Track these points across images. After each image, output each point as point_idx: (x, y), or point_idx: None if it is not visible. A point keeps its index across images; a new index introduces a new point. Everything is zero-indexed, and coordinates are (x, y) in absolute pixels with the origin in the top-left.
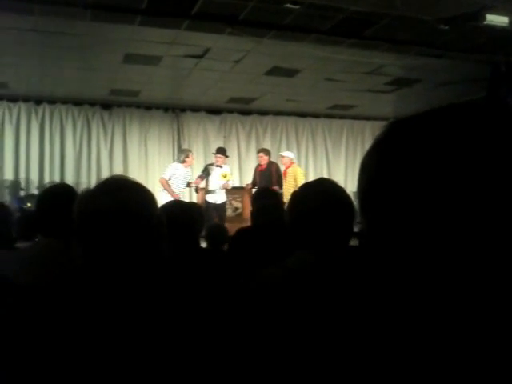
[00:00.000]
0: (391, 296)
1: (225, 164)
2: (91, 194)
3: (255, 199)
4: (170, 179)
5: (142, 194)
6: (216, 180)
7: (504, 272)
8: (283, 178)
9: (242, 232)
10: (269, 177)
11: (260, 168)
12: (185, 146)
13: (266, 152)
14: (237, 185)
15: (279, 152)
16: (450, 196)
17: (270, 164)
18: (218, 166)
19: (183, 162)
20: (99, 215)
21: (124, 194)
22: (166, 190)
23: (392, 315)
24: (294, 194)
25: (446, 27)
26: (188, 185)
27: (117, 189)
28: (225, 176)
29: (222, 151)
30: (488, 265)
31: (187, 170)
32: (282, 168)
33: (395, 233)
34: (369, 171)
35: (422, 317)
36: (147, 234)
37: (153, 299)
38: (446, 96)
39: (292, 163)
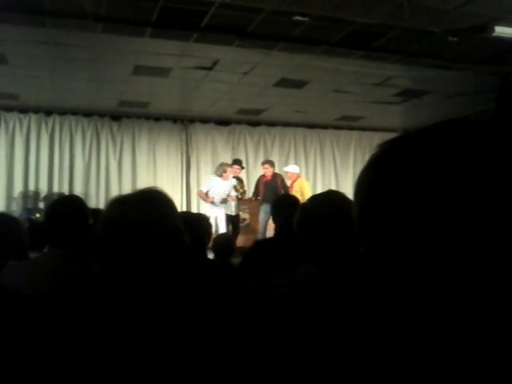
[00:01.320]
0: (390, 308)
1: (240, 174)
2: (122, 202)
3: (280, 207)
4: (208, 192)
5: (172, 209)
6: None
7: (496, 288)
8: (290, 190)
9: (259, 245)
10: (274, 188)
11: (265, 179)
12: (193, 157)
13: (272, 164)
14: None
15: (287, 163)
16: (444, 212)
17: (275, 176)
18: (234, 177)
19: (220, 175)
20: (126, 224)
21: (155, 207)
22: (203, 199)
23: (393, 327)
24: (303, 206)
25: (455, 39)
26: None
27: (148, 201)
28: (238, 187)
29: (239, 162)
30: (483, 278)
31: (226, 182)
32: (288, 182)
33: (392, 249)
34: (364, 190)
35: (424, 329)
36: (173, 247)
37: (165, 310)
38: (455, 108)
39: (298, 177)
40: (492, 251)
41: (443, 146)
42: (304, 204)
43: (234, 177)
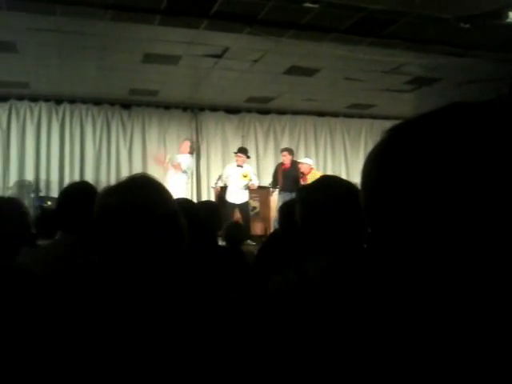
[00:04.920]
0: (399, 299)
1: (245, 163)
2: (114, 189)
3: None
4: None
5: (164, 194)
6: (236, 180)
7: (503, 274)
8: (303, 183)
9: (277, 235)
10: (294, 176)
11: (284, 167)
12: (203, 145)
13: (291, 151)
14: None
15: (297, 151)
16: (451, 201)
17: (294, 163)
18: (238, 165)
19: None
20: (120, 210)
21: (146, 192)
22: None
23: (401, 320)
24: (302, 198)
25: (467, 25)
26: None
27: (139, 186)
28: (245, 176)
29: (243, 151)
30: (488, 266)
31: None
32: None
33: (401, 239)
34: (371, 181)
35: (431, 321)
36: (167, 231)
37: (167, 297)
38: (467, 96)
39: (311, 169)
40: (498, 245)
41: (447, 134)
42: (303, 196)
43: (237, 165)
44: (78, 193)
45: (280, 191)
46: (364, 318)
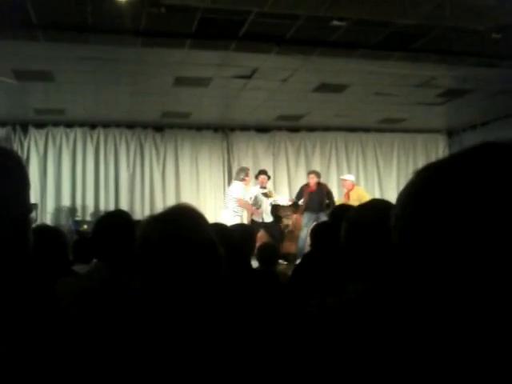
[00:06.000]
0: (434, 325)
1: (267, 184)
2: (155, 220)
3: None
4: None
5: (203, 223)
6: (263, 200)
7: None
8: (345, 200)
9: (308, 258)
10: (320, 198)
11: (309, 189)
12: (235, 164)
13: (317, 174)
14: (287, 202)
15: (329, 167)
16: (487, 241)
17: (320, 185)
18: (262, 187)
19: (243, 180)
20: (161, 241)
21: (186, 223)
22: (248, 209)
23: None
24: (349, 218)
25: (499, 36)
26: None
27: (180, 217)
28: (270, 195)
29: (263, 172)
30: None
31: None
32: (344, 191)
33: (435, 272)
34: (405, 220)
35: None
36: (206, 261)
37: (209, 324)
38: (500, 107)
39: (354, 185)
40: None
41: (479, 176)
42: (349, 216)
43: (261, 186)
44: (114, 222)
45: (305, 210)
46: (400, 344)
